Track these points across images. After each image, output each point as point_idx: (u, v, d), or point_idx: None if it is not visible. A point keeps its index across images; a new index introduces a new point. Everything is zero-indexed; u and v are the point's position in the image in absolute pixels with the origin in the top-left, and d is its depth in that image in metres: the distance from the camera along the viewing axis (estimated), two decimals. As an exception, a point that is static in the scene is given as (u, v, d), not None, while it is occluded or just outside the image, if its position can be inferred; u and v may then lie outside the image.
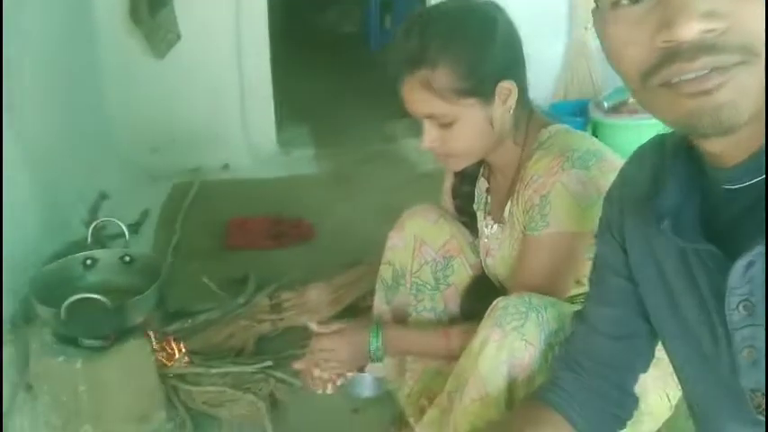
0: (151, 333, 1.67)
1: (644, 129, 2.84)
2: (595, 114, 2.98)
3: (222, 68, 3.22)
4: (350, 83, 4.78)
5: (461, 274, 1.45)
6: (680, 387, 1.27)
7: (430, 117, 1.21)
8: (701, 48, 0.59)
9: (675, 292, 0.79)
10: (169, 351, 1.73)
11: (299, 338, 1.98)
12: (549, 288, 1.16)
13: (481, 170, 1.40)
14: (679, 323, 0.80)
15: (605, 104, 2.96)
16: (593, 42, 3.51)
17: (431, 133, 1.22)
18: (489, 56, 1.17)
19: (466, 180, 1.43)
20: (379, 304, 1.51)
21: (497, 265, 1.35)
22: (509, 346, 1.05)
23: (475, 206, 1.41)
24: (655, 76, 0.62)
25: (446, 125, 1.20)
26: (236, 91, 3.28)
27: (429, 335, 1.36)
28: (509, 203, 1.29)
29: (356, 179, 3.22)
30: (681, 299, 0.78)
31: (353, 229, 2.68)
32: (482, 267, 1.44)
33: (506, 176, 1.32)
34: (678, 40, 0.59)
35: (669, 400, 1.28)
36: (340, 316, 2.07)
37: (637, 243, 0.84)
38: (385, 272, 1.50)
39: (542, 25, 3.25)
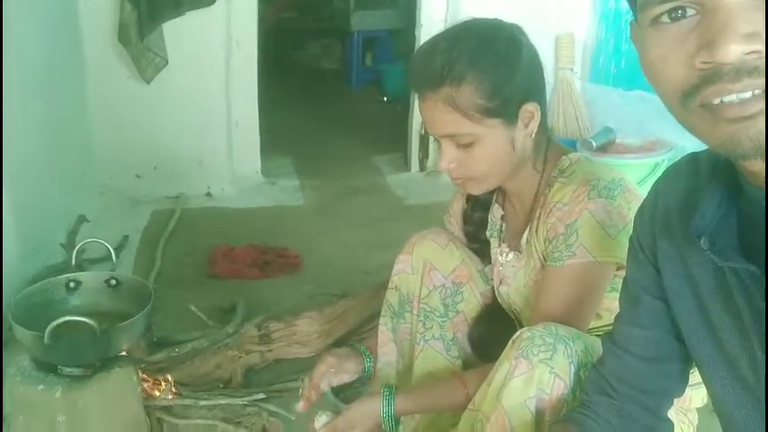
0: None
1: (631, 168, 2.87)
2: (583, 153, 2.98)
3: (209, 96, 3.18)
4: (332, 118, 4.78)
5: (471, 302, 1.40)
6: (696, 417, 1.25)
7: (450, 136, 1.17)
8: (743, 70, 0.58)
9: (711, 313, 0.76)
10: (155, 381, 1.64)
11: (288, 371, 1.91)
12: (570, 320, 1.11)
13: (494, 196, 1.36)
14: (715, 345, 0.77)
15: (593, 144, 2.97)
16: (578, 84, 3.57)
17: (449, 154, 1.18)
18: (515, 76, 1.14)
19: (478, 206, 1.39)
20: (384, 332, 1.45)
21: (512, 293, 1.31)
22: (537, 379, 1.00)
23: (488, 233, 1.37)
24: (695, 97, 0.61)
25: (466, 146, 1.16)
26: (222, 119, 3.23)
27: (444, 389, 1.28)
28: (527, 231, 1.25)
29: (341, 211, 3.18)
30: (717, 320, 0.76)
31: (340, 260, 2.63)
32: (492, 296, 1.40)
33: (523, 203, 1.28)
34: (719, 62, 0.58)
35: (687, 435, 1.24)
36: (329, 349, 2.00)
37: (670, 262, 0.81)
38: (391, 297, 1.44)
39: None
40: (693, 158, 0.81)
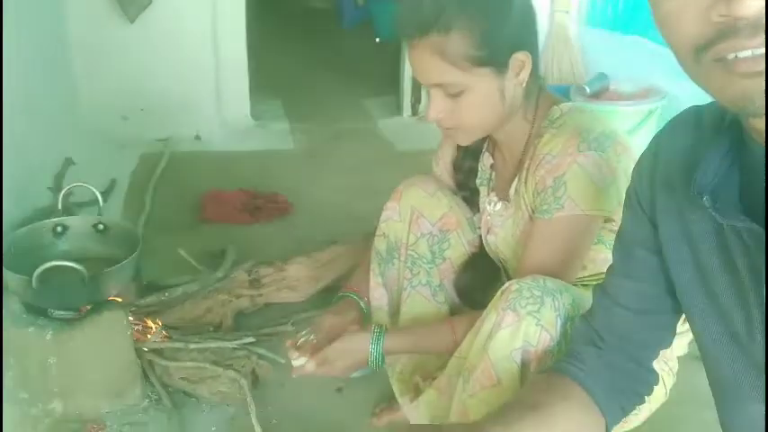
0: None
1: (624, 115, 2.85)
2: (577, 99, 2.96)
3: (196, 36, 3.10)
4: (323, 59, 4.68)
5: (458, 250, 1.40)
6: (677, 365, 1.27)
7: (439, 86, 1.14)
8: (760, 25, 0.56)
9: (708, 270, 0.76)
10: (145, 324, 1.65)
11: (278, 315, 1.93)
12: (557, 273, 1.12)
13: (485, 145, 1.35)
14: (709, 301, 0.77)
15: (587, 90, 2.94)
16: (574, 28, 3.50)
17: (438, 103, 1.16)
18: (506, 24, 1.11)
19: (468, 154, 1.37)
20: (374, 278, 1.46)
21: (499, 243, 1.31)
22: (524, 331, 1.01)
23: (478, 181, 1.36)
24: (709, 51, 0.60)
25: (455, 95, 1.14)
26: (210, 60, 3.16)
27: (433, 332, 1.29)
28: (515, 181, 1.24)
29: (331, 156, 3.15)
30: (713, 277, 0.75)
31: (330, 206, 2.62)
32: (479, 244, 1.40)
33: (513, 153, 1.27)
34: (735, 16, 0.56)
35: (665, 386, 1.26)
36: (319, 295, 2.02)
37: (668, 217, 0.80)
38: (379, 244, 1.44)
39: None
40: (697, 112, 0.79)
